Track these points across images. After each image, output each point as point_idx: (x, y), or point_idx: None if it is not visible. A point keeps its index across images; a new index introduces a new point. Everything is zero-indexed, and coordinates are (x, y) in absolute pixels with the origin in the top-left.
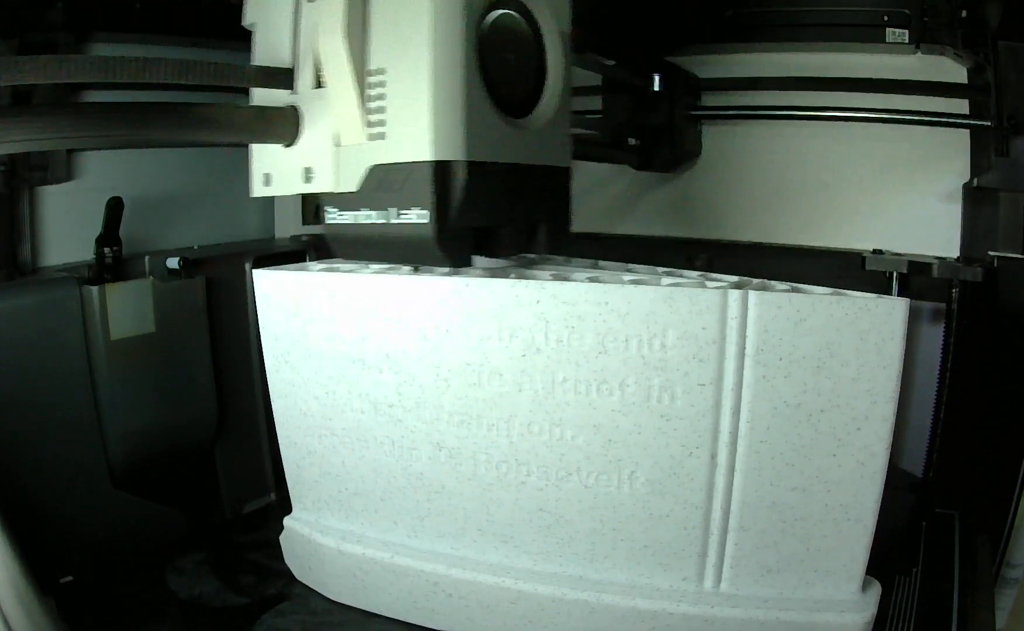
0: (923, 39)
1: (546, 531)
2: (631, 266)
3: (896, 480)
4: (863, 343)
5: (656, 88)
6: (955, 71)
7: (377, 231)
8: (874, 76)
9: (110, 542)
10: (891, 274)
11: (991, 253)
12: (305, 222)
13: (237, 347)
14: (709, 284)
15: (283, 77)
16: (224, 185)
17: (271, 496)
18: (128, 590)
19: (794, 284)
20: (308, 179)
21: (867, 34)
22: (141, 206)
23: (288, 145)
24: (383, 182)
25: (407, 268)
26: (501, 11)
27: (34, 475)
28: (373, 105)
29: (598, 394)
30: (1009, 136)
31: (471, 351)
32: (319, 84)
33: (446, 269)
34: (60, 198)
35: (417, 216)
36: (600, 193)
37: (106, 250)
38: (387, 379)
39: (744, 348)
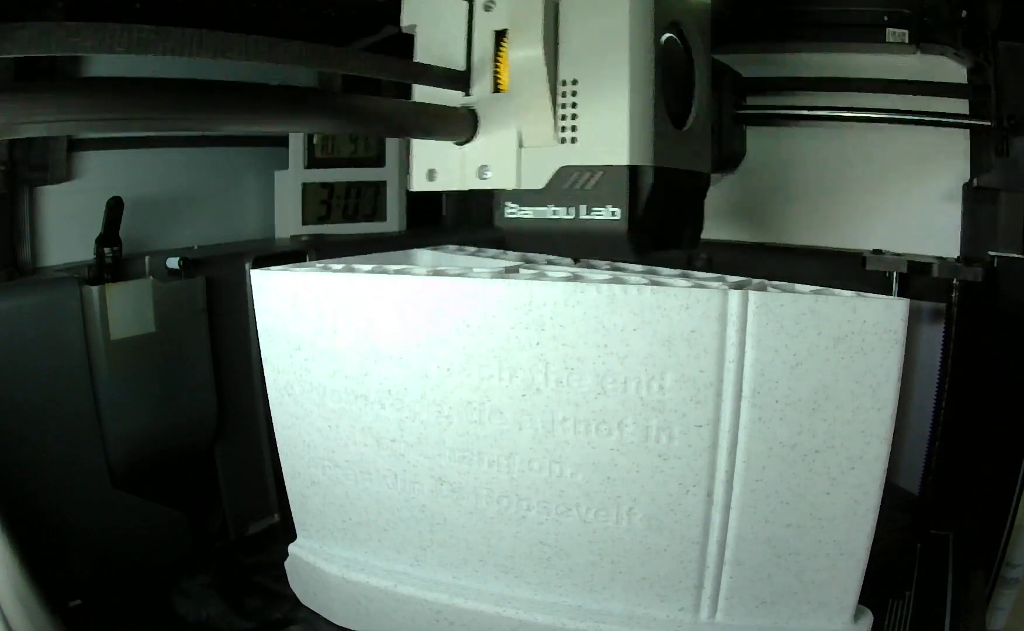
0: (923, 39)
1: (546, 563)
2: (632, 266)
3: (892, 498)
4: (858, 386)
5: None
6: (955, 71)
7: (564, 226)
8: (874, 76)
9: (110, 542)
10: (891, 274)
11: (991, 253)
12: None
13: (237, 347)
14: (711, 284)
15: (461, 80)
16: (224, 185)
17: (275, 517)
18: (135, 613)
19: (789, 284)
20: (483, 176)
21: (867, 34)
22: (141, 206)
23: (461, 143)
24: (572, 182)
25: (419, 270)
26: (669, 35)
27: (34, 475)
28: (565, 112)
29: (597, 434)
30: (1009, 136)
31: (472, 390)
32: (496, 89)
33: (449, 271)
34: (60, 198)
35: (609, 213)
36: None
37: (106, 250)
38: (389, 415)
39: (741, 390)
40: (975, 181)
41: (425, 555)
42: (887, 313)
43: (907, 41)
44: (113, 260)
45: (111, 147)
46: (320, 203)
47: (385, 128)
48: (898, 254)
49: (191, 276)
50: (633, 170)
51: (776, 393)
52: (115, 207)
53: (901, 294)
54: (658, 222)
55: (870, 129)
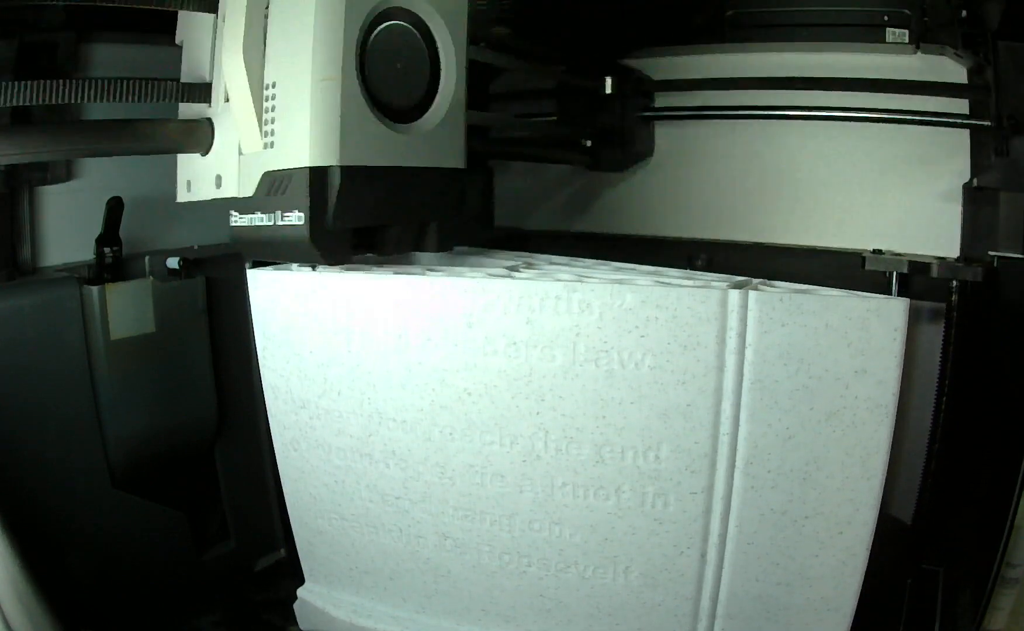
0: (923, 39)
1: (546, 614)
2: (632, 266)
3: (883, 530)
4: (848, 457)
5: (608, 91)
6: (955, 71)
7: (266, 233)
8: (874, 76)
9: (110, 543)
10: (891, 274)
11: (991, 253)
12: None
13: (237, 347)
14: (710, 283)
15: (201, 92)
16: None
17: (281, 552)
18: None
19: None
20: (219, 185)
21: (867, 34)
22: (141, 206)
23: (204, 154)
24: (272, 187)
25: (416, 269)
26: (390, 22)
27: (34, 475)
28: (267, 116)
29: (595, 498)
30: (1009, 136)
31: (474, 455)
32: (228, 98)
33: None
34: (60, 198)
35: (296, 218)
36: (601, 192)
37: (106, 250)
38: (394, 474)
39: (734, 461)
40: (975, 181)
41: (430, 603)
42: (879, 388)
43: (907, 41)
44: (113, 260)
45: None
46: None
47: (134, 146)
48: (898, 254)
49: (191, 276)
50: (315, 172)
51: (769, 464)
52: (115, 207)
53: (901, 294)
54: (365, 224)
55: (870, 129)
